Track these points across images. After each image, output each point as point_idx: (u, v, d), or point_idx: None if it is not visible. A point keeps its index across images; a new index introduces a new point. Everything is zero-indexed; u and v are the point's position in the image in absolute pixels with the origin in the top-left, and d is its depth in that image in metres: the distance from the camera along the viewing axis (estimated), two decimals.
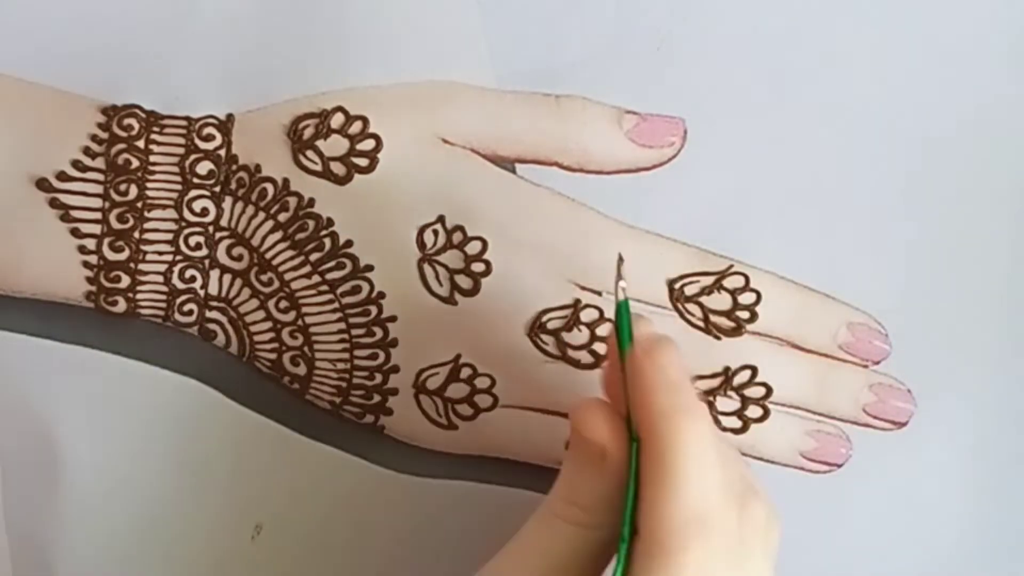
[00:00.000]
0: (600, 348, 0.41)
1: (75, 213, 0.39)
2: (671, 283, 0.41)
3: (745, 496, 0.33)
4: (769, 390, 0.42)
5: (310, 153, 0.40)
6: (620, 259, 0.35)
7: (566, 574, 0.33)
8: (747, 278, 0.42)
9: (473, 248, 0.41)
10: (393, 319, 0.41)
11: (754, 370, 0.42)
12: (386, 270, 0.40)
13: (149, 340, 0.40)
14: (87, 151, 0.39)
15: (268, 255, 0.40)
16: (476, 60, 0.41)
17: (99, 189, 0.40)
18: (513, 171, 0.41)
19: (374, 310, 0.40)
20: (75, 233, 0.39)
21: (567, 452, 0.35)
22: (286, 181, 0.40)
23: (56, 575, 0.41)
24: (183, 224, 0.40)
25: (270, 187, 0.40)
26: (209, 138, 0.40)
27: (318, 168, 0.40)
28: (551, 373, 0.41)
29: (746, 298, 0.42)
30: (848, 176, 0.42)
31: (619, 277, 0.35)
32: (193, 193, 0.40)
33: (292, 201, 0.40)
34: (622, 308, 0.34)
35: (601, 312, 0.41)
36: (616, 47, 0.41)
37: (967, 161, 0.43)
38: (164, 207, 0.40)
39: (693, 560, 0.31)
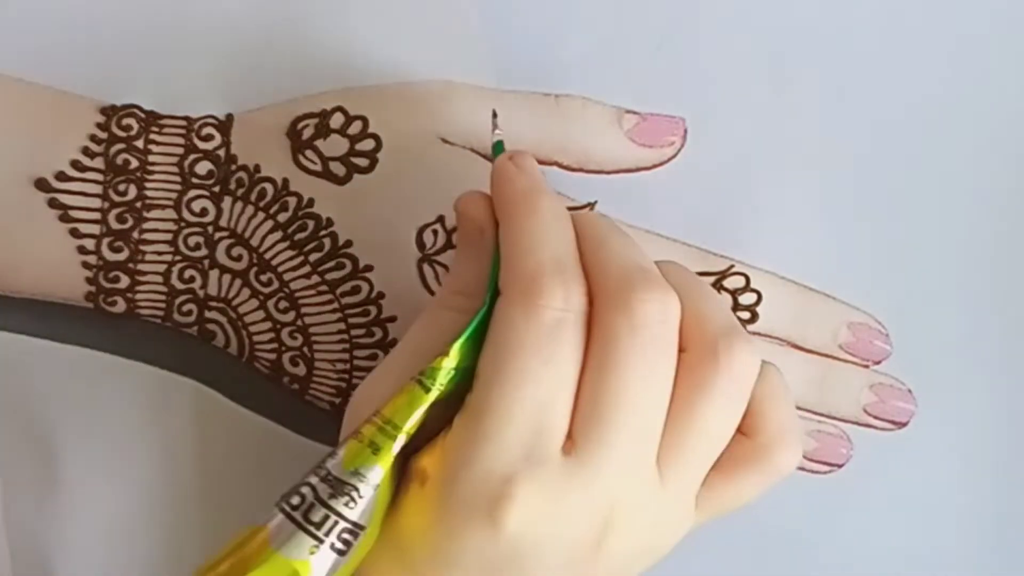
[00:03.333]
0: None
1: (74, 213, 0.39)
2: None
3: None
4: None
5: (309, 153, 0.40)
6: (494, 114, 0.38)
7: None
8: (747, 278, 0.42)
9: None
10: (393, 319, 0.41)
11: None
12: (386, 270, 0.40)
13: (148, 340, 0.40)
14: (86, 151, 0.39)
15: (267, 255, 0.40)
16: (476, 60, 0.41)
17: (98, 189, 0.39)
18: None
19: (374, 310, 0.40)
20: (74, 233, 0.39)
21: (456, 247, 0.36)
22: (285, 181, 0.40)
23: (56, 575, 0.41)
24: (182, 224, 0.40)
25: (269, 187, 0.40)
26: (208, 138, 0.40)
27: (318, 168, 0.40)
28: None
29: (746, 298, 0.42)
30: (849, 176, 0.42)
31: (495, 127, 0.38)
32: (192, 193, 0.40)
33: (292, 201, 0.40)
34: (497, 147, 0.37)
35: None
36: (616, 47, 0.41)
37: (969, 160, 0.43)
38: (163, 207, 0.40)
39: (549, 304, 0.31)
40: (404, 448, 0.32)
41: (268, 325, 0.40)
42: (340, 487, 0.31)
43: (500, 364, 0.31)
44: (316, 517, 0.31)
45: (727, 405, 0.33)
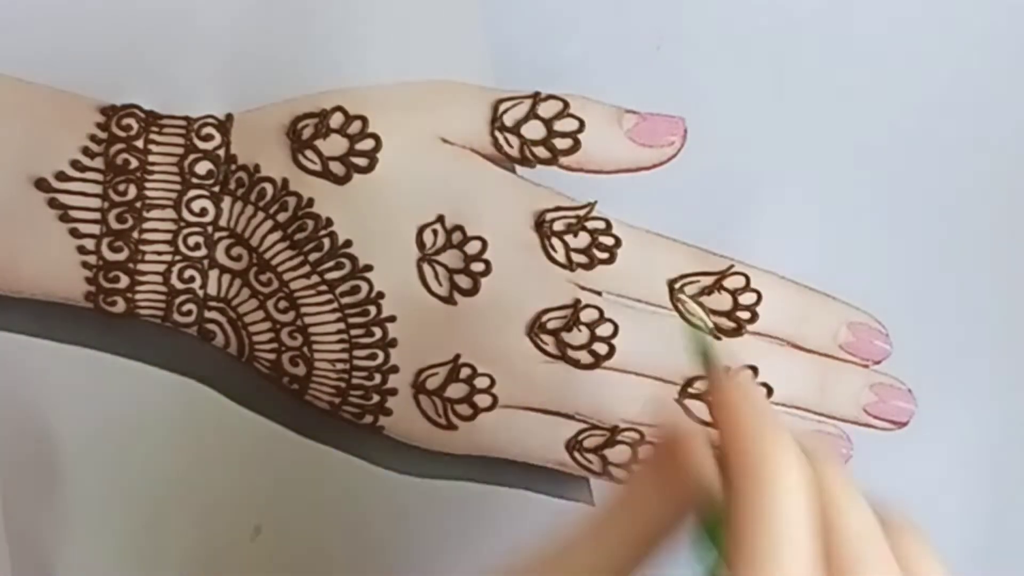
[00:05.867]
0: (600, 348, 0.41)
1: (74, 213, 0.39)
2: (671, 283, 0.41)
3: None
4: (770, 390, 0.42)
5: (309, 153, 0.40)
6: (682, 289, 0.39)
7: None
8: (747, 278, 0.42)
9: (473, 248, 0.41)
10: (392, 319, 0.41)
11: (755, 370, 0.42)
12: (385, 270, 0.40)
13: (148, 340, 0.40)
14: (86, 151, 0.39)
15: (267, 255, 0.40)
16: (476, 60, 0.41)
17: (98, 189, 0.39)
18: (513, 171, 0.41)
19: (373, 310, 0.40)
20: (74, 233, 0.39)
21: (621, 488, 0.30)
22: (285, 181, 0.40)
23: (56, 575, 0.41)
24: (182, 224, 0.40)
25: (269, 187, 0.40)
26: (208, 138, 0.40)
27: (317, 168, 0.40)
28: (551, 373, 0.41)
29: (746, 298, 0.42)
30: (849, 175, 0.42)
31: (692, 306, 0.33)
32: (192, 193, 0.40)
33: (291, 201, 0.40)
34: (697, 339, 0.32)
35: (601, 312, 0.41)
36: (616, 47, 0.41)
37: (968, 160, 0.43)
38: (163, 207, 0.40)
39: None
40: None
41: (268, 325, 0.40)
42: None
43: None
44: None
45: None
